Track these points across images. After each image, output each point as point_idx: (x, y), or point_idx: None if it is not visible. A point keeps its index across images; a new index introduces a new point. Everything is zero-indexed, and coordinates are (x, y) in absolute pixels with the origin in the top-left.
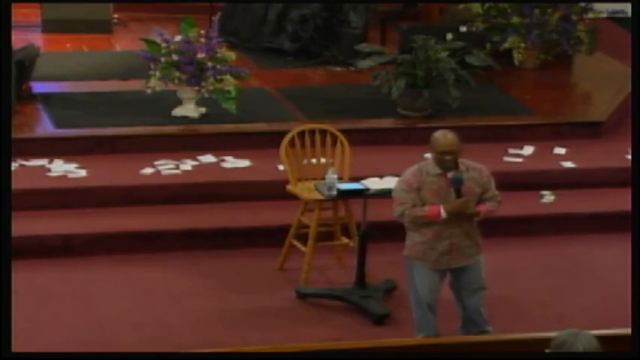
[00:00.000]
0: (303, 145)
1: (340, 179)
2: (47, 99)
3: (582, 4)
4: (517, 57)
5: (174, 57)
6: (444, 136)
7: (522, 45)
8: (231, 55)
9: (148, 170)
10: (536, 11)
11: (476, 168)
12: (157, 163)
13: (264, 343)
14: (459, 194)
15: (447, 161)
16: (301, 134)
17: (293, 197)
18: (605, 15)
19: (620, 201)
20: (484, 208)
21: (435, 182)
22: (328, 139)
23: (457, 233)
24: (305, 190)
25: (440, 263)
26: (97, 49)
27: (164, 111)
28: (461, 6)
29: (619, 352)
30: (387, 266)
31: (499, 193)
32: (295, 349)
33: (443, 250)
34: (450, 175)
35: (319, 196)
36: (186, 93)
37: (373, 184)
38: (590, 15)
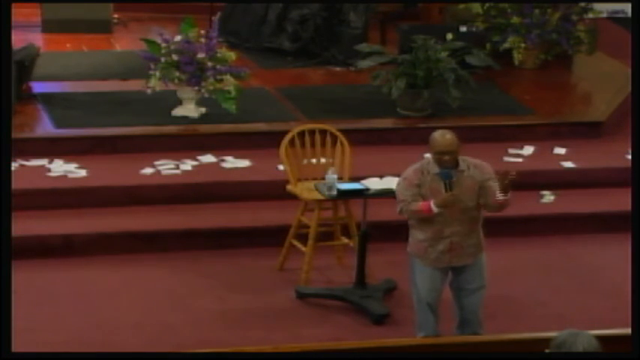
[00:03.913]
0: (303, 145)
1: (340, 179)
2: (47, 99)
3: (582, 4)
4: (517, 57)
5: (174, 57)
6: (442, 136)
7: (522, 45)
8: (231, 55)
9: (148, 170)
10: (536, 11)
11: (477, 165)
12: (157, 163)
13: (264, 343)
14: (448, 188)
15: (445, 161)
16: (301, 134)
17: (293, 197)
18: (605, 15)
19: (620, 201)
20: (499, 200)
21: (435, 180)
22: (328, 139)
23: (458, 232)
24: (305, 190)
25: (440, 261)
26: (97, 49)
27: (164, 111)
28: (461, 6)
29: (619, 352)
30: (387, 266)
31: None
32: (295, 349)
33: (443, 248)
34: (439, 170)
35: (319, 196)
36: (186, 93)
37: (373, 184)
38: (590, 15)
